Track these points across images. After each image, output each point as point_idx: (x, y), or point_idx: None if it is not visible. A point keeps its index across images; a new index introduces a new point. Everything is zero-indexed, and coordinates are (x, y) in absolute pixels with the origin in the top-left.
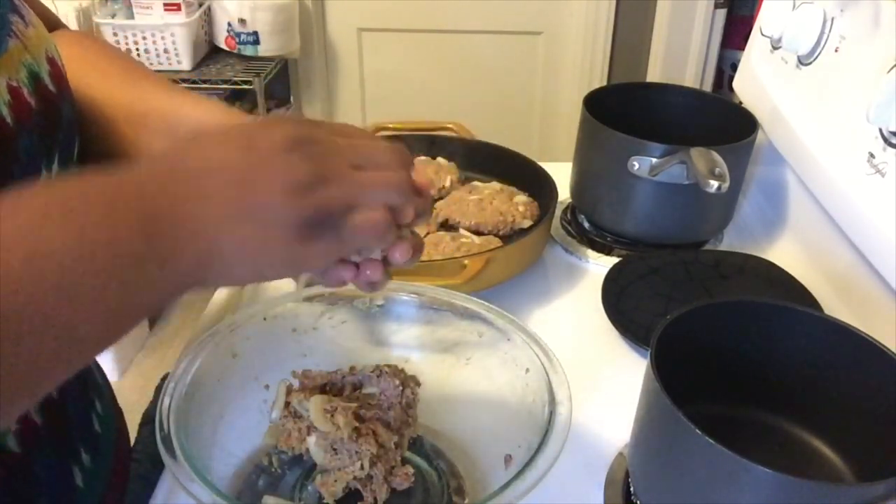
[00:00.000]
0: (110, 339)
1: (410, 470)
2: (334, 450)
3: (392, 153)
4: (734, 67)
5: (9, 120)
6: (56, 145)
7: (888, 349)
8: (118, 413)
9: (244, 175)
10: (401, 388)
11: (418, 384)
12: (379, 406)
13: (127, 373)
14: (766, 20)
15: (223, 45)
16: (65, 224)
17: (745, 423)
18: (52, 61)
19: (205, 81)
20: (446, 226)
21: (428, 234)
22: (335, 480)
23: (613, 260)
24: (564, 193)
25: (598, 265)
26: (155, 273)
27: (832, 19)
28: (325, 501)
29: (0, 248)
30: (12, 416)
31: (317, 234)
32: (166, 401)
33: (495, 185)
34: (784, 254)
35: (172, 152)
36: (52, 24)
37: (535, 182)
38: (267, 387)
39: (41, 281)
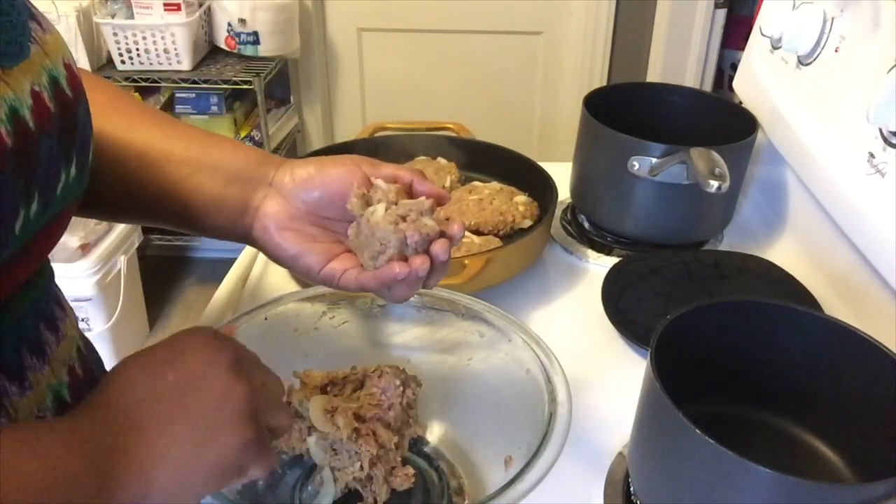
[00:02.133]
0: None
1: (411, 471)
2: (334, 450)
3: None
4: (734, 67)
5: (31, 124)
6: (73, 148)
7: (888, 349)
8: None
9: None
10: (402, 388)
11: (419, 384)
12: (379, 406)
13: None
14: (766, 20)
15: (223, 45)
16: (31, 458)
17: (745, 423)
18: (68, 67)
19: (205, 81)
20: None
21: None
22: (336, 480)
23: (613, 260)
24: (564, 193)
25: (598, 265)
26: None
27: (832, 19)
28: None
29: None
30: None
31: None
32: None
33: (495, 185)
34: (784, 254)
35: (110, 388)
36: None
37: (535, 182)
38: None
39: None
